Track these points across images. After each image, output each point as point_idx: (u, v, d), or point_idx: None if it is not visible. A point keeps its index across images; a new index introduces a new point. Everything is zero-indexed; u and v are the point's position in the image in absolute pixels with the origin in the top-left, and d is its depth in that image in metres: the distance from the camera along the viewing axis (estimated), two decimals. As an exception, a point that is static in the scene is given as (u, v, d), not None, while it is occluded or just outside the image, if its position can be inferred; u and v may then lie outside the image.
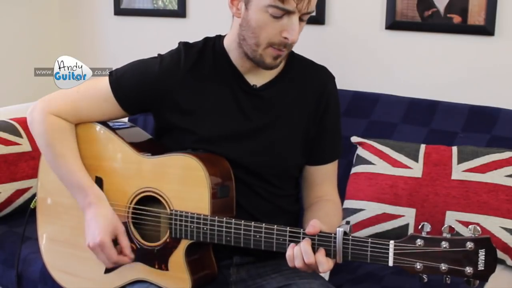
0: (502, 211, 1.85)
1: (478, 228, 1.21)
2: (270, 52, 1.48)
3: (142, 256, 1.54)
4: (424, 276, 1.24)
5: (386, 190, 1.97)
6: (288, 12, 1.42)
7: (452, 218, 1.88)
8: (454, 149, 1.99)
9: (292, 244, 1.36)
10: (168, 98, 1.57)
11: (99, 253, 1.52)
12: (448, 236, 1.22)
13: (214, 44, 1.60)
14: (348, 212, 2.01)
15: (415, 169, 1.97)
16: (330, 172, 1.66)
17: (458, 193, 1.89)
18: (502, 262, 1.86)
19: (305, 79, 1.61)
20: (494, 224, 1.84)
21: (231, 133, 1.56)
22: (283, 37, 1.45)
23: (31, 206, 1.77)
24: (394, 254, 1.25)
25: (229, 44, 1.57)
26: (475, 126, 2.11)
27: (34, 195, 1.80)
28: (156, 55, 1.62)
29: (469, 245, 1.20)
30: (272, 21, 1.43)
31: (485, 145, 2.03)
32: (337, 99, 1.65)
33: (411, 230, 1.92)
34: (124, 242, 1.52)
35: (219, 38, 1.61)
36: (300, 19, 1.45)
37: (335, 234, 1.30)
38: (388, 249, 1.26)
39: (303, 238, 1.34)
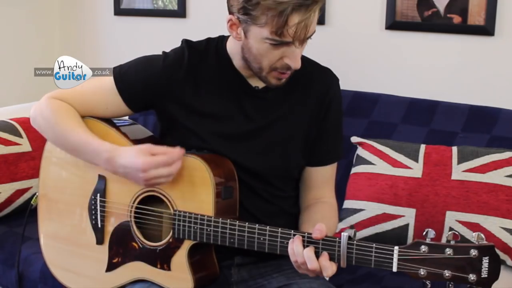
0: (502, 211, 1.86)
1: (482, 235, 1.22)
2: (274, 75, 1.49)
3: (145, 255, 1.54)
4: (428, 282, 1.25)
5: (386, 190, 1.97)
6: (286, 43, 1.42)
7: (452, 218, 1.88)
8: (454, 149, 1.99)
9: (290, 240, 1.35)
10: (171, 94, 1.57)
11: (155, 174, 1.42)
12: (453, 243, 1.23)
13: (217, 46, 1.60)
14: (348, 212, 2.01)
15: (415, 169, 1.97)
16: (329, 174, 1.66)
17: (458, 193, 1.90)
18: (502, 262, 1.86)
19: (308, 80, 1.61)
20: (494, 224, 1.85)
21: (233, 134, 1.56)
22: (285, 63, 1.45)
23: (32, 203, 1.78)
24: (399, 260, 1.25)
25: (232, 51, 1.57)
26: (475, 126, 2.11)
27: (34, 195, 1.80)
28: (160, 53, 1.62)
29: (473, 252, 1.20)
30: (272, 49, 1.43)
31: (485, 145, 2.04)
32: (340, 101, 1.65)
33: (411, 231, 1.92)
34: (160, 148, 1.45)
35: (222, 40, 1.61)
36: (303, 42, 1.45)
37: (340, 238, 1.30)
38: (392, 254, 1.26)
39: (308, 242, 1.34)
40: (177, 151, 1.45)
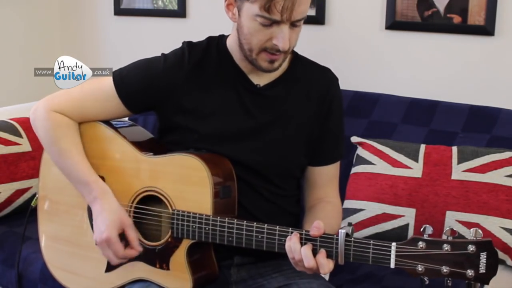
0: (502, 211, 1.86)
1: (480, 231, 1.21)
2: (264, 57, 1.49)
3: (143, 255, 1.54)
4: (426, 279, 1.24)
5: (386, 190, 1.97)
6: (276, 22, 1.42)
7: (452, 218, 1.88)
8: (454, 149, 1.99)
9: (288, 238, 1.36)
10: (171, 97, 1.57)
11: (105, 249, 1.50)
12: (450, 238, 1.22)
13: (217, 43, 1.61)
14: (348, 212, 2.01)
15: (415, 169, 1.97)
16: (332, 173, 1.66)
17: (458, 193, 1.89)
18: (502, 262, 1.86)
19: (308, 79, 1.61)
20: (494, 224, 1.84)
21: (234, 132, 1.56)
22: (274, 43, 1.45)
23: (32, 204, 1.77)
24: (396, 256, 1.25)
25: (231, 45, 1.58)
26: (475, 126, 2.11)
27: (34, 195, 1.80)
28: (159, 55, 1.62)
29: (471, 248, 1.20)
30: (262, 28, 1.44)
31: (485, 145, 2.04)
32: (341, 100, 1.66)
33: (411, 230, 1.92)
34: (132, 235, 1.51)
35: (222, 38, 1.62)
36: (294, 25, 1.45)
37: (337, 235, 1.31)
38: (390, 251, 1.26)
39: (306, 239, 1.34)
40: (134, 253, 1.51)
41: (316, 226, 1.33)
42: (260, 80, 1.58)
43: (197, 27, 2.80)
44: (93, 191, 1.55)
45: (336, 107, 1.63)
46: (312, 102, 1.60)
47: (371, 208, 1.98)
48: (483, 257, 1.19)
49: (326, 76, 1.64)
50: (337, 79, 1.66)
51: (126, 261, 1.53)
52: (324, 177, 1.65)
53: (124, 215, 1.52)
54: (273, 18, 1.41)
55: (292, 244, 1.34)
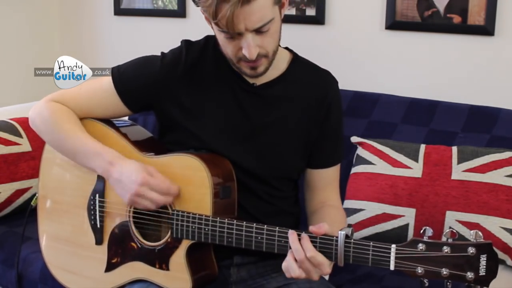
0: (502, 211, 1.85)
1: (480, 233, 1.21)
2: (244, 65, 1.48)
3: (143, 255, 1.54)
4: (425, 281, 1.24)
5: (386, 190, 1.97)
6: (238, 33, 1.40)
7: (452, 218, 1.88)
8: (454, 149, 1.99)
9: (290, 251, 1.34)
10: (168, 94, 1.57)
11: (146, 193, 1.44)
12: (450, 241, 1.22)
13: (215, 43, 1.60)
14: (348, 212, 2.01)
15: (415, 169, 1.97)
16: (332, 176, 1.66)
17: (458, 193, 1.89)
18: (502, 262, 1.86)
19: (307, 81, 1.60)
20: (494, 224, 1.84)
21: (231, 133, 1.56)
22: (243, 53, 1.44)
23: (32, 203, 1.78)
24: (396, 258, 1.25)
25: None
26: (475, 126, 2.11)
27: (34, 195, 1.80)
28: (158, 53, 1.62)
29: (471, 250, 1.19)
30: (229, 41, 1.43)
31: (485, 145, 2.03)
32: (340, 103, 1.64)
33: (411, 231, 1.92)
34: (161, 177, 1.47)
35: None
36: (259, 31, 1.41)
37: (337, 237, 1.30)
38: (389, 253, 1.26)
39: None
40: (176, 187, 1.46)
41: (318, 225, 1.32)
42: (256, 79, 1.57)
43: (197, 27, 2.76)
44: (106, 157, 1.52)
45: (335, 111, 1.62)
46: (311, 104, 1.59)
47: (371, 208, 1.98)
48: (483, 259, 1.19)
49: (325, 79, 1.63)
50: (336, 83, 1.65)
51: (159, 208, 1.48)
52: (324, 180, 1.64)
53: (145, 164, 1.49)
54: (229, 31, 1.39)
55: (293, 244, 1.32)
